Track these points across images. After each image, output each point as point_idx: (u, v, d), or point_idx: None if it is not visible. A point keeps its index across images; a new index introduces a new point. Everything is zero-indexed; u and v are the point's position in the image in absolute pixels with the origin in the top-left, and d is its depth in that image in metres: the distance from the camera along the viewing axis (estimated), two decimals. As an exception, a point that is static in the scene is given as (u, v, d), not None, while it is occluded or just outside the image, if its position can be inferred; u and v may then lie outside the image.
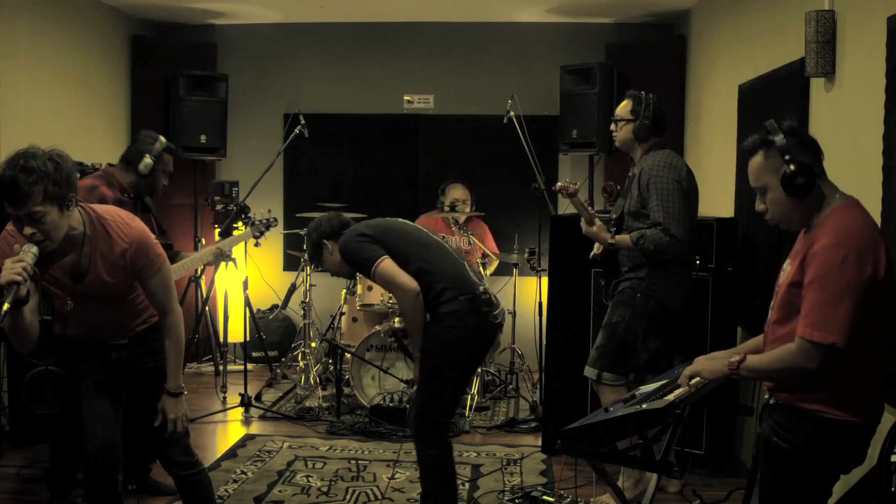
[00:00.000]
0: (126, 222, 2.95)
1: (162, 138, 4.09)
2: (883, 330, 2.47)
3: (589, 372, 4.09)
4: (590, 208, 4.06)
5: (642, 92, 4.10)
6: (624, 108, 4.10)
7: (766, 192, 2.54)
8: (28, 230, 2.63)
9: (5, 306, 2.48)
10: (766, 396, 2.63)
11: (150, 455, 4.24)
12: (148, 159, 3.98)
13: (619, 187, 4.36)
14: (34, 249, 2.61)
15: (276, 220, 5.36)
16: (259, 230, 5.15)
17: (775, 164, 2.49)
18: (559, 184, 4.00)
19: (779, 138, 2.48)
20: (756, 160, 2.54)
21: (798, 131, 2.53)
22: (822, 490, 2.55)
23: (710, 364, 2.65)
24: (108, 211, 2.96)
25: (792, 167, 2.45)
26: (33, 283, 2.67)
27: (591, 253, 4.20)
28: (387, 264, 3.50)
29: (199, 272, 6.67)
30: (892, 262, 2.52)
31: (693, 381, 2.67)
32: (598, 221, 4.05)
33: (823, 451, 2.48)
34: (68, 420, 3.86)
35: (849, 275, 2.35)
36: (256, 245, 5.40)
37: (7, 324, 2.62)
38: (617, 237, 3.98)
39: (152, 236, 3.04)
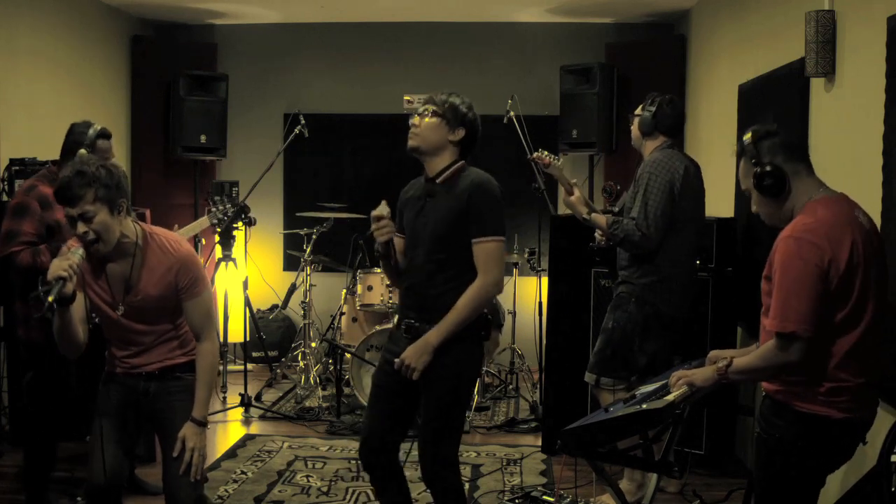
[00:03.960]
0: (176, 240, 3.08)
1: (96, 125, 3.94)
2: (861, 325, 2.48)
3: (588, 377, 4.10)
4: (572, 179, 4.07)
5: (655, 93, 4.11)
6: (639, 107, 4.14)
7: (752, 195, 2.66)
8: (81, 228, 2.82)
9: (50, 298, 2.61)
10: (762, 389, 2.66)
11: (134, 455, 4.25)
12: (82, 151, 3.81)
13: (618, 187, 4.37)
14: (80, 251, 2.79)
15: (245, 215, 5.34)
16: (216, 217, 4.99)
17: (751, 167, 2.61)
18: (535, 154, 4.00)
19: (748, 143, 2.61)
20: (741, 166, 2.68)
21: (773, 133, 2.61)
22: (808, 483, 2.57)
23: (701, 372, 2.68)
24: (160, 230, 3.11)
25: (758, 169, 2.57)
26: (81, 291, 2.86)
27: (592, 244, 4.23)
28: (503, 245, 3.10)
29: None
30: (883, 259, 2.54)
31: (681, 391, 2.67)
32: (577, 192, 4.06)
33: (803, 444, 2.50)
34: (46, 423, 3.89)
35: (803, 264, 2.42)
36: (215, 232, 5.48)
37: (56, 326, 2.81)
38: (593, 214, 4.01)
39: (200, 260, 3.12)
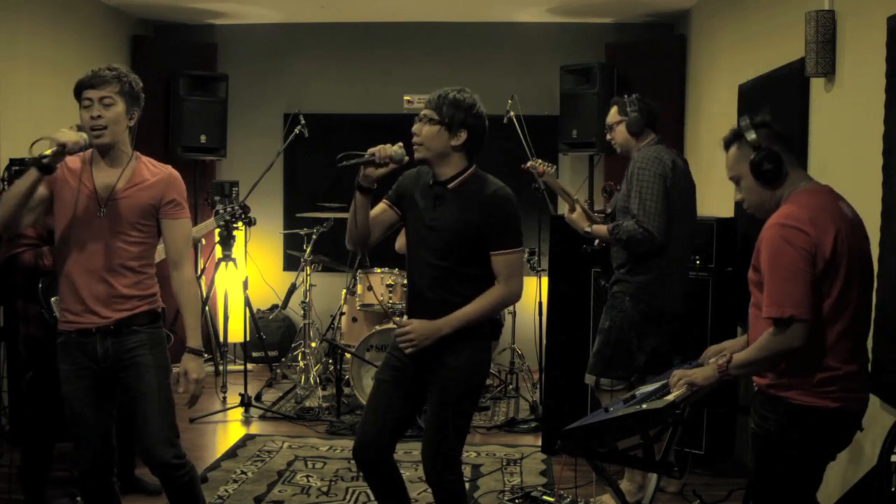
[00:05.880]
0: (168, 166, 3.18)
1: None
2: (847, 314, 2.50)
3: (588, 379, 4.09)
4: (572, 193, 4.08)
5: (624, 95, 4.17)
6: (612, 114, 4.17)
7: (740, 182, 2.68)
8: (97, 110, 2.93)
9: (48, 151, 2.79)
10: (754, 383, 2.66)
11: (134, 453, 4.25)
12: None
13: (618, 187, 4.38)
14: (86, 136, 2.89)
15: (245, 215, 5.40)
16: (223, 219, 5.19)
17: (746, 153, 2.62)
18: (530, 163, 4.01)
19: (749, 131, 2.61)
20: (731, 153, 2.69)
21: (769, 124, 2.64)
22: (804, 476, 2.57)
23: (702, 371, 2.68)
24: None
25: (757, 154, 2.58)
26: (48, 189, 2.96)
27: (585, 246, 4.24)
28: (523, 254, 3.11)
29: (198, 272, 6.67)
30: (868, 252, 2.57)
31: (681, 391, 2.67)
32: (579, 208, 4.07)
33: (797, 436, 2.51)
34: (44, 422, 3.89)
35: (792, 250, 2.44)
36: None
37: (21, 186, 2.83)
38: (594, 226, 4.01)
39: (184, 189, 3.17)
